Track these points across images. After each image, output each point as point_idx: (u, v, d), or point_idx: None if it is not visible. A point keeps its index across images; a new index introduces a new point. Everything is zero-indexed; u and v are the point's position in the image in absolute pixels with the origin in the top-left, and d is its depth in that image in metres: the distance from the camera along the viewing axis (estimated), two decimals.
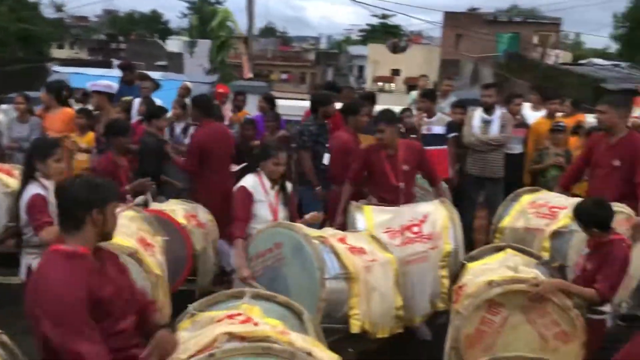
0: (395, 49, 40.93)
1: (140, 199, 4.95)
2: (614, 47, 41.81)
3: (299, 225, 4.07)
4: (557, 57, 30.84)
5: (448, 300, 4.15)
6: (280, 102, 8.69)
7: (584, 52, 53.44)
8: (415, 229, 4.41)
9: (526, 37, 32.05)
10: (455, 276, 4.19)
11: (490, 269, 3.75)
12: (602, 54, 47.38)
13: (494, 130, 6.50)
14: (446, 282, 4.21)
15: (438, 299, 4.24)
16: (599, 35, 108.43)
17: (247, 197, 4.39)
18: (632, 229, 4.27)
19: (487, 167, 6.54)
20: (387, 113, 5.27)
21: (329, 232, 4.21)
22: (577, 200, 4.74)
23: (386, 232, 4.44)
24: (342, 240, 4.03)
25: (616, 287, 3.64)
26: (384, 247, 4.22)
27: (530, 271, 3.67)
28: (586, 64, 27.96)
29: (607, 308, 3.76)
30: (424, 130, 6.85)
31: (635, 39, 32.37)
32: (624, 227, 4.20)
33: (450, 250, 4.27)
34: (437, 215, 4.45)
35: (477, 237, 6.44)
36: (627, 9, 33.83)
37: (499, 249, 4.16)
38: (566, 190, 5.36)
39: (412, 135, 7.39)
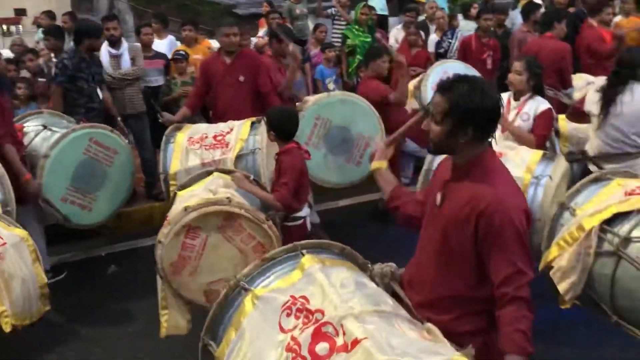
0: None
1: None
2: None
3: None
4: None
5: None
6: None
7: None
8: None
9: None
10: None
11: (195, 195, 3.70)
12: None
13: (125, 64, 6.21)
14: None
15: None
16: None
17: None
18: None
19: (127, 103, 6.24)
20: None
21: None
22: (231, 121, 4.86)
23: None
24: None
25: (292, 191, 3.88)
26: (10, 222, 3.85)
27: (228, 191, 3.71)
28: None
29: (303, 213, 4.08)
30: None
31: None
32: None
33: None
34: None
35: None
36: None
37: (209, 173, 4.09)
38: (192, 111, 5.55)
39: (40, 79, 6.68)
